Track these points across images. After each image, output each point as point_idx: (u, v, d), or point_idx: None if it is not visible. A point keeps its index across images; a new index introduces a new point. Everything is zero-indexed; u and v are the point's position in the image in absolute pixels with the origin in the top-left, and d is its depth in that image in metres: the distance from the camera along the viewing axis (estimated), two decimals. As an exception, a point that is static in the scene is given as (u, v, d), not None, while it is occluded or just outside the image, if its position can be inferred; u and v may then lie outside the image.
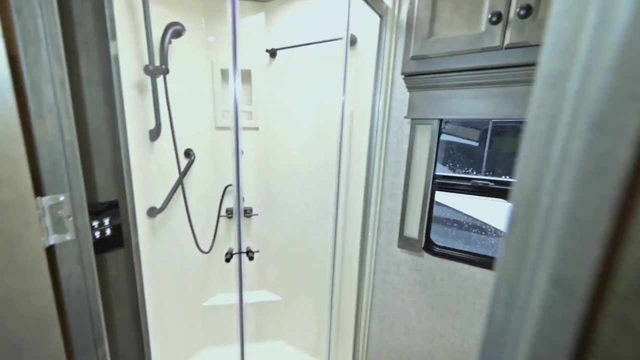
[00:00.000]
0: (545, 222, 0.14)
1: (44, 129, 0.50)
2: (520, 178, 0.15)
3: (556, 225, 0.14)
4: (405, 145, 1.31)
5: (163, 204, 1.51)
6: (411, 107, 1.22)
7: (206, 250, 1.71)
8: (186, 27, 1.41)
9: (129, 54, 1.26)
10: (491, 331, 0.17)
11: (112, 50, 0.66)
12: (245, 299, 1.95)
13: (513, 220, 0.15)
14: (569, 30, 0.13)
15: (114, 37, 0.66)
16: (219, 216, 1.79)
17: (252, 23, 1.64)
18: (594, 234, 0.13)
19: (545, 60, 0.14)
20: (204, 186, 1.74)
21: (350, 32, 1.39)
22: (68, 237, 0.57)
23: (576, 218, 0.13)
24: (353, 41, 1.41)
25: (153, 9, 1.28)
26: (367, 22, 1.31)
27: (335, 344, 1.74)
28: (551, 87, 0.14)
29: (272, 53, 1.65)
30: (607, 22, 0.12)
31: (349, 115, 1.46)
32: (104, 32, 0.64)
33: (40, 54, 0.47)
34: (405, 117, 1.27)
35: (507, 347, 0.16)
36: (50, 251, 0.56)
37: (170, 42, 1.31)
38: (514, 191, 0.15)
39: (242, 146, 1.69)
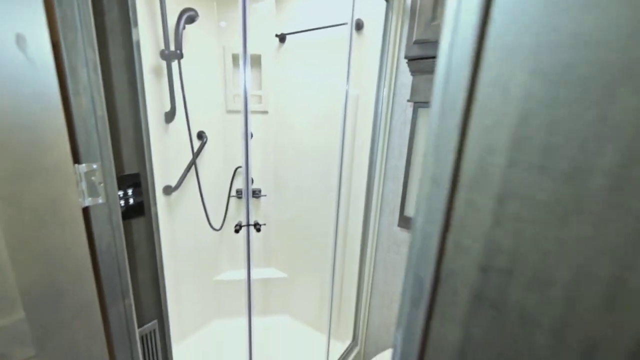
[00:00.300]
0: (433, 145, 0.22)
1: (79, 105, 0.58)
2: (430, 121, 0.22)
3: (434, 143, 0.21)
4: (409, 129, 1.36)
5: (178, 182, 1.61)
6: (414, 90, 1.27)
7: (218, 227, 1.82)
8: (199, 12, 1.47)
9: (146, 39, 1.34)
10: (415, 237, 0.24)
11: (134, 36, 0.73)
12: (254, 276, 2.06)
13: (426, 152, 0.22)
14: (453, 14, 0.20)
15: (136, 24, 0.73)
16: (229, 196, 1.89)
17: (262, 8, 1.69)
18: (449, 146, 0.20)
19: (443, 35, 0.21)
20: (215, 167, 1.83)
21: (358, 17, 1.43)
22: (100, 200, 0.66)
23: (441, 136, 0.21)
24: (360, 26, 1.45)
25: (167, -5, 1.34)
26: (374, 7, 1.34)
27: (337, 318, 1.84)
28: (445, 54, 0.21)
29: (282, 38, 1.70)
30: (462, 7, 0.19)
31: (354, 99, 1.51)
32: (127, 20, 0.71)
33: (76, 40, 0.55)
34: (408, 101, 1.31)
35: (419, 241, 0.23)
36: (86, 212, 0.65)
37: (184, 28, 1.37)
38: (428, 135, 0.22)
39: (251, 129, 1.77)
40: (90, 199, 0.64)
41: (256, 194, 1.95)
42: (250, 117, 1.81)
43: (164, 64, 1.40)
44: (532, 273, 0.18)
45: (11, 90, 0.49)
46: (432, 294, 0.21)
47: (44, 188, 0.56)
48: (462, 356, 0.21)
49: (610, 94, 0.15)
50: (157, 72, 1.41)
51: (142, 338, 0.98)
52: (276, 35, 1.69)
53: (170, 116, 1.50)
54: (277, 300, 2.11)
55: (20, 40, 0.47)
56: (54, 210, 0.58)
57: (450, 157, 0.19)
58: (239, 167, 1.88)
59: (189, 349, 1.84)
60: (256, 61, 1.74)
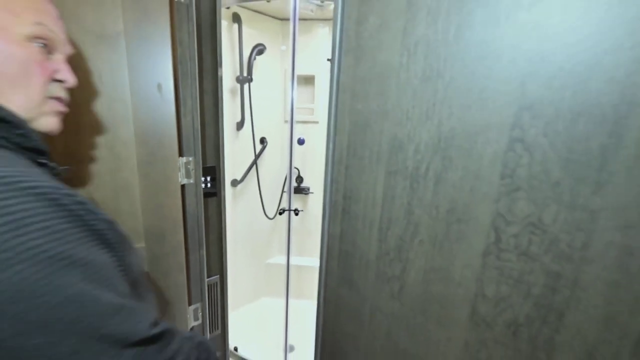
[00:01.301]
0: (327, 144, 0.49)
1: (186, 121, 0.95)
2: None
3: (328, 143, 0.48)
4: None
5: (242, 177, 2.01)
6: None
7: (271, 217, 2.18)
8: (267, 43, 1.85)
9: (227, 69, 1.76)
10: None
11: (219, 74, 1.10)
12: (301, 263, 2.36)
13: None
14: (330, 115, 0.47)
15: (221, 65, 1.09)
16: (282, 191, 2.24)
17: (317, 37, 2.02)
18: (330, 144, 0.47)
19: (328, 116, 0.47)
20: (273, 167, 2.21)
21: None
22: (191, 181, 1.02)
23: (329, 141, 0.47)
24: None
25: (244, 31, 1.75)
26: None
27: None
28: (330, 117, 0.47)
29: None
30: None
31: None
32: (215, 63, 1.08)
33: (187, 82, 0.91)
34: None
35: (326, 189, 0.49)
36: (182, 187, 1.02)
37: (254, 59, 1.77)
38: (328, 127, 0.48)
39: (304, 137, 2.09)
40: (185, 179, 1.01)
41: (305, 191, 2.27)
42: (303, 126, 2.15)
43: (238, 86, 1.81)
44: (356, 196, 0.42)
45: (151, 115, 0.87)
46: (330, 211, 0.47)
47: (161, 170, 0.93)
48: (340, 239, 0.47)
49: (367, 130, 0.39)
50: (232, 92, 1.82)
51: (208, 287, 1.34)
52: (327, 60, 2.00)
53: (240, 125, 1.91)
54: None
55: (159, 87, 0.84)
56: (165, 183, 0.95)
57: (331, 146, 0.45)
58: (294, 167, 2.22)
59: (238, 318, 2.22)
60: (310, 80, 2.07)
